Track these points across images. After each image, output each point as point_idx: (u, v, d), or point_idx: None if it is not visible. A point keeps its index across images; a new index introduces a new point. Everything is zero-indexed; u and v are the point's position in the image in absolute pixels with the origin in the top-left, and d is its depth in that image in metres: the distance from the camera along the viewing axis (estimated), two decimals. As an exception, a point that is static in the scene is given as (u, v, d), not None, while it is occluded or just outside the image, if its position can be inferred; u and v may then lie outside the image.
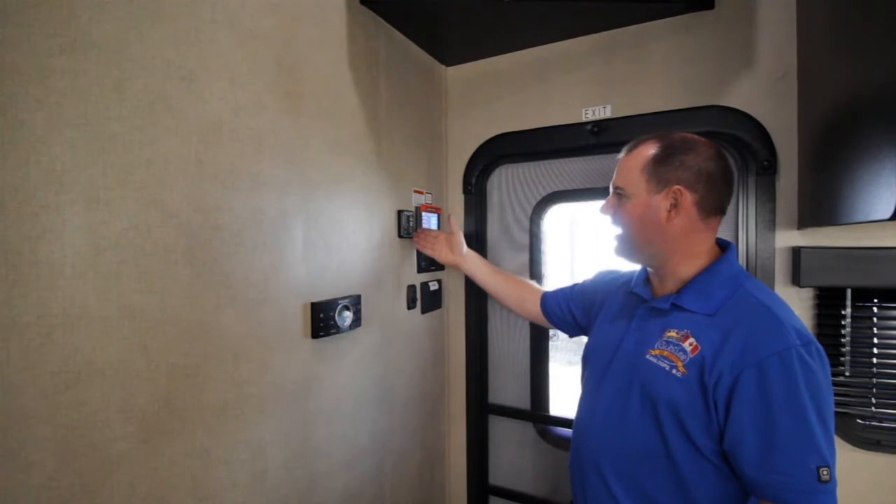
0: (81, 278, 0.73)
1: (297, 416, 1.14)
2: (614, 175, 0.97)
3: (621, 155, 0.97)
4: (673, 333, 0.86)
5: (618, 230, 0.96)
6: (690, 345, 0.82)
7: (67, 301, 0.71)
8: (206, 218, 0.92)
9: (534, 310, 1.38)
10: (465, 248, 1.50)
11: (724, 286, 0.86)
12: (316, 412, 1.20)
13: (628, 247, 0.95)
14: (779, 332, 0.76)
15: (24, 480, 0.67)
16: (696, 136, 0.91)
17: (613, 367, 0.96)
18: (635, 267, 1.07)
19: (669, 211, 0.87)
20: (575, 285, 1.32)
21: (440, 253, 1.51)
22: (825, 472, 0.71)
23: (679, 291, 0.90)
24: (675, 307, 0.89)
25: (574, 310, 1.27)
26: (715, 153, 0.89)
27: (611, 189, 0.98)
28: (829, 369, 0.77)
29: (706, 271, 0.89)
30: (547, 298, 1.36)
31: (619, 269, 1.20)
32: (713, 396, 0.78)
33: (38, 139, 0.68)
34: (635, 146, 0.94)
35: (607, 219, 1.00)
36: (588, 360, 1.08)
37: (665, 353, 0.85)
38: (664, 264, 0.92)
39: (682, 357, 0.82)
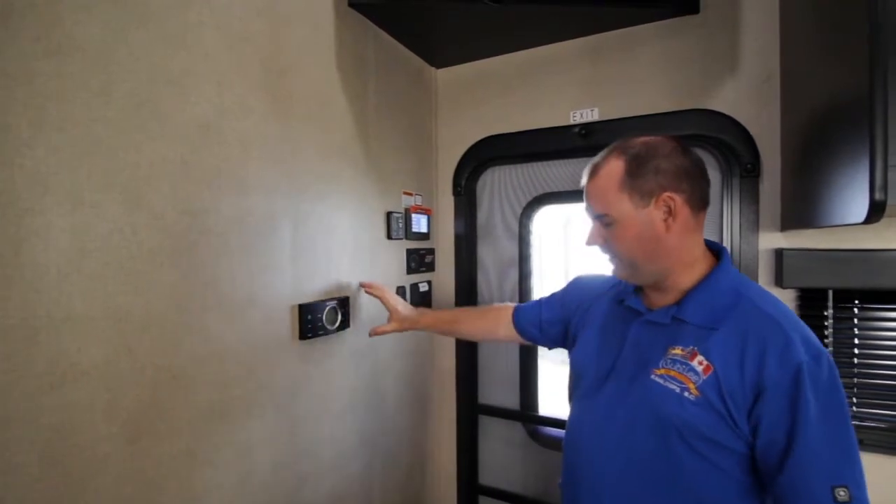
0: (66, 280, 0.73)
1: (284, 417, 1.14)
2: (587, 204, 0.89)
3: (584, 181, 0.89)
4: (678, 351, 0.80)
5: (615, 256, 0.88)
6: (700, 363, 0.77)
7: (52, 303, 0.71)
8: (192, 220, 0.92)
9: (509, 332, 1.25)
10: (407, 306, 1.38)
11: (726, 296, 0.81)
12: (303, 413, 1.21)
13: (632, 270, 0.87)
14: (791, 346, 0.72)
15: (10, 482, 0.67)
16: (652, 137, 0.86)
17: (611, 386, 0.89)
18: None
19: (665, 220, 0.82)
20: (545, 297, 1.23)
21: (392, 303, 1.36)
22: (842, 493, 0.67)
23: (680, 303, 0.84)
24: (676, 320, 0.83)
25: (548, 321, 1.17)
26: (680, 147, 0.84)
27: (590, 219, 0.89)
28: (838, 377, 0.73)
29: (706, 281, 0.84)
30: (518, 314, 1.23)
31: (599, 274, 1.12)
32: (734, 417, 0.74)
33: (22, 142, 0.68)
34: (597, 168, 0.87)
35: (596, 248, 0.91)
36: (579, 375, 0.99)
37: (672, 373, 0.79)
38: (667, 278, 0.86)
39: (694, 378, 0.77)
